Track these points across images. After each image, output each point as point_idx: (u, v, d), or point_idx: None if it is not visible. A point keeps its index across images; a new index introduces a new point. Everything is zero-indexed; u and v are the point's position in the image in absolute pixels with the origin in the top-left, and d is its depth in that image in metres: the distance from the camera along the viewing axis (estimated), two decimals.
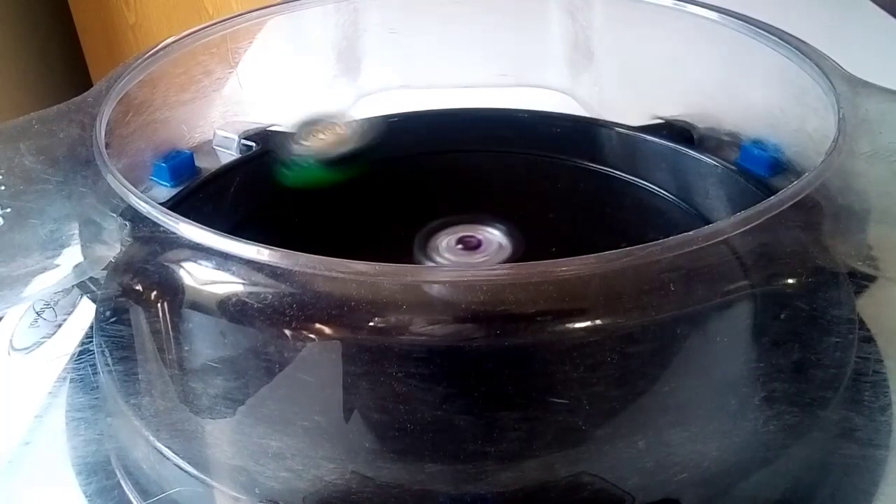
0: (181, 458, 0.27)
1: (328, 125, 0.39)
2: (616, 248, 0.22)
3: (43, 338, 0.37)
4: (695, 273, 0.24)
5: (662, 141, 0.40)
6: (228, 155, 0.41)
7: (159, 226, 0.25)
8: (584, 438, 0.25)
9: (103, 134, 0.30)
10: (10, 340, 0.37)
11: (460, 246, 0.35)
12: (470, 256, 0.34)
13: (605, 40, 0.46)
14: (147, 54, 0.36)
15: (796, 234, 0.26)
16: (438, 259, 0.34)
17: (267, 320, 0.24)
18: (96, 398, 0.32)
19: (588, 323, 0.23)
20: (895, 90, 0.32)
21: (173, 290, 0.25)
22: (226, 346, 0.25)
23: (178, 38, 0.37)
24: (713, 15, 0.38)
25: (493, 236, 0.35)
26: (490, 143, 0.44)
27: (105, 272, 0.29)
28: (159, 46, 0.36)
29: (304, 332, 0.23)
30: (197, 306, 0.25)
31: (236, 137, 0.41)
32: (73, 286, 0.32)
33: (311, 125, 0.39)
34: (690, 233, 0.23)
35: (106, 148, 0.29)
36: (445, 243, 0.35)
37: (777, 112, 0.37)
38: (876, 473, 0.28)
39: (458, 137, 0.45)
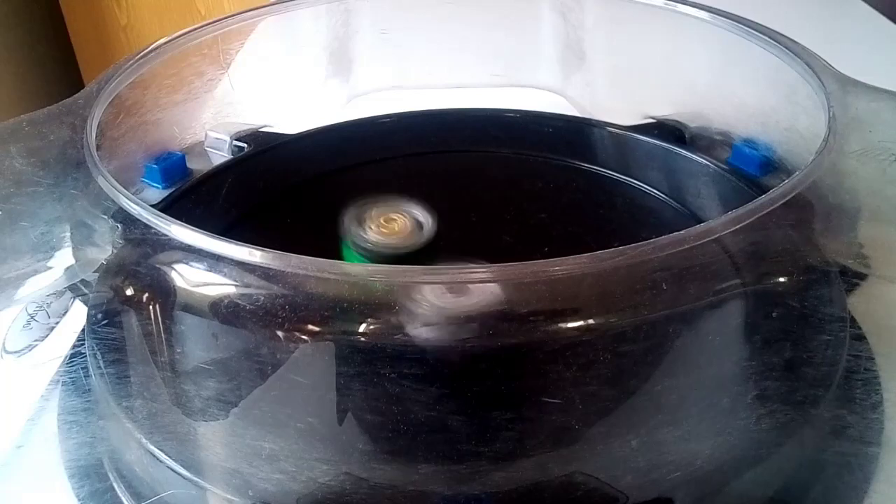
0: (174, 460, 0.27)
1: (391, 216, 0.34)
2: (608, 247, 0.22)
3: (35, 341, 0.37)
4: (686, 272, 0.24)
5: (654, 140, 0.41)
6: (220, 156, 0.41)
7: (151, 228, 0.25)
8: (578, 438, 0.25)
9: (94, 136, 0.30)
10: (3, 343, 0.37)
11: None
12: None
13: (596, 40, 0.46)
14: (138, 56, 0.36)
15: (787, 233, 0.26)
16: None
17: (259, 322, 0.23)
18: (89, 401, 0.32)
19: (580, 322, 0.23)
20: (886, 89, 0.32)
21: (165, 293, 0.25)
22: (218, 348, 0.25)
23: (169, 39, 0.37)
24: (704, 15, 0.38)
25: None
26: (482, 143, 0.45)
27: (97, 274, 0.29)
28: (151, 48, 0.36)
29: (297, 334, 0.23)
30: (189, 308, 0.25)
31: (228, 139, 0.41)
32: (64, 289, 0.32)
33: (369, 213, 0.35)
34: (682, 232, 0.23)
35: (97, 150, 0.29)
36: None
37: (768, 111, 0.37)
38: (868, 470, 0.29)
39: (451, 138, 0.45)
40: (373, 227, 0.34)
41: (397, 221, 0.34)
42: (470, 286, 0.23)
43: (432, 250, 0.33)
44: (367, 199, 0.35)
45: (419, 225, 0.34)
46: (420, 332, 0.23)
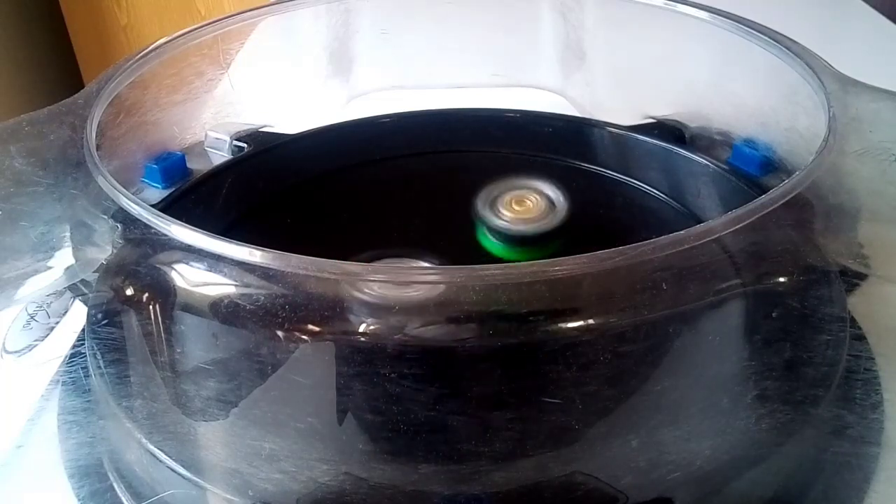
0: (174, 460, 0.27)
1: (522, 197, 0.36)
2: (608, 247, 0.22)
3: (35, 341, 0.37)
4: (686, 272, 0.24)
5: (654, 140, 0.41)
6: (220, 156, 0.41)
7: (151, 228, 0.25)
8: (578, 438, 0.25)
9: (94, 136, 0.30)
10: (3, 343, 0.37)
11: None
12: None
13: (596, 40, 0.46)
14: (138, 56, 0.36)
15: (787, 233, 0.26)
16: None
17: (259, 322, 0.23)
18: (88, 401, 0.32)
19: (580, 322, 0.23)
20: (885, 89, 0.32)
21: (165, 292, 0.25)
22: (218, 348, 0.25)
23: (169, 39, 0.37)
24: (704, 14, 0.38)
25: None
26: (482, 143, 0.44)
27: (97, 274, 0.29)
28: (151, 48, 0.36)
29: (297, 334, 0.23)
30: (189, 308, 0.25)
31: (228, 139, 0.41)
32: (64, 289, 0.32)
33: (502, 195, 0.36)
34: (682, 232, 0.23)
35: (97, 150, 0.29)
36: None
37: (768, 111, 0.37)
38: (868, 470, 0.29)
39: (451, 138, 0.45)
40: (505, 209, 0.35)
41: (529, 202, 0.35)
42: (469, 286, 0.23)
43: (566, 230, 0.35)
44: (499, 180, 0.37)
45: (551, 204, 0.35)
46: (420, 332, 0.23)
